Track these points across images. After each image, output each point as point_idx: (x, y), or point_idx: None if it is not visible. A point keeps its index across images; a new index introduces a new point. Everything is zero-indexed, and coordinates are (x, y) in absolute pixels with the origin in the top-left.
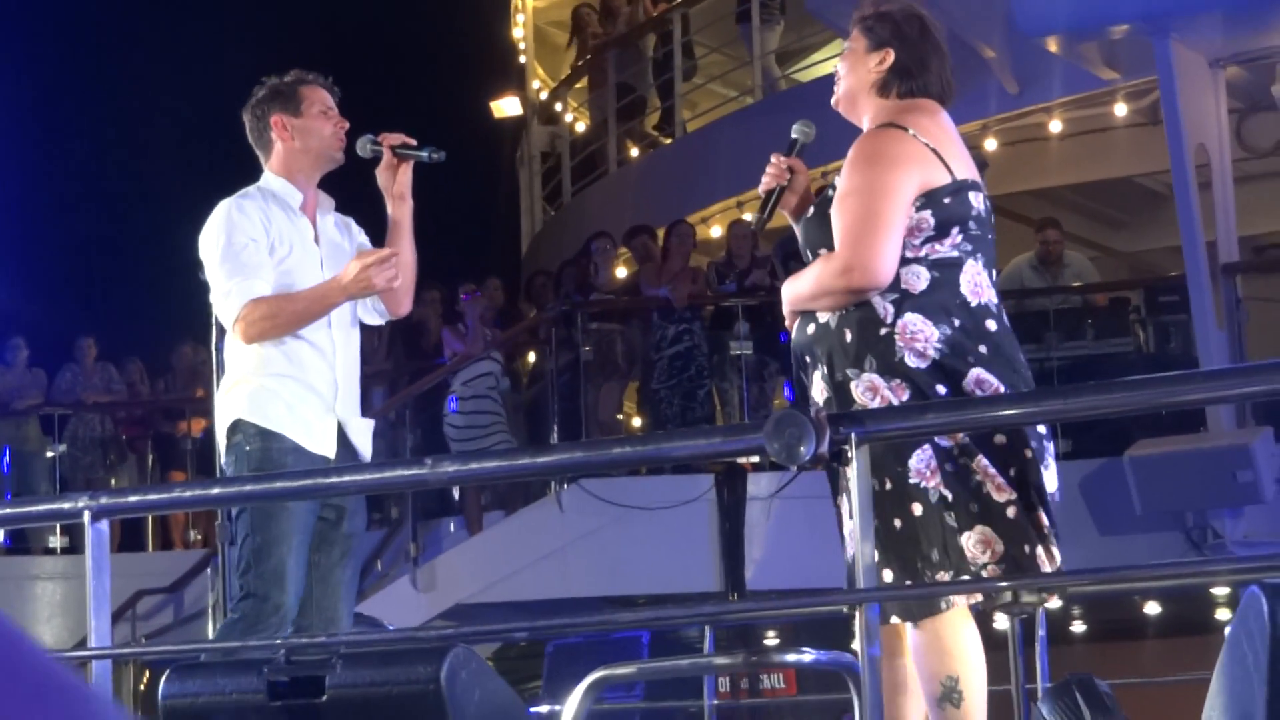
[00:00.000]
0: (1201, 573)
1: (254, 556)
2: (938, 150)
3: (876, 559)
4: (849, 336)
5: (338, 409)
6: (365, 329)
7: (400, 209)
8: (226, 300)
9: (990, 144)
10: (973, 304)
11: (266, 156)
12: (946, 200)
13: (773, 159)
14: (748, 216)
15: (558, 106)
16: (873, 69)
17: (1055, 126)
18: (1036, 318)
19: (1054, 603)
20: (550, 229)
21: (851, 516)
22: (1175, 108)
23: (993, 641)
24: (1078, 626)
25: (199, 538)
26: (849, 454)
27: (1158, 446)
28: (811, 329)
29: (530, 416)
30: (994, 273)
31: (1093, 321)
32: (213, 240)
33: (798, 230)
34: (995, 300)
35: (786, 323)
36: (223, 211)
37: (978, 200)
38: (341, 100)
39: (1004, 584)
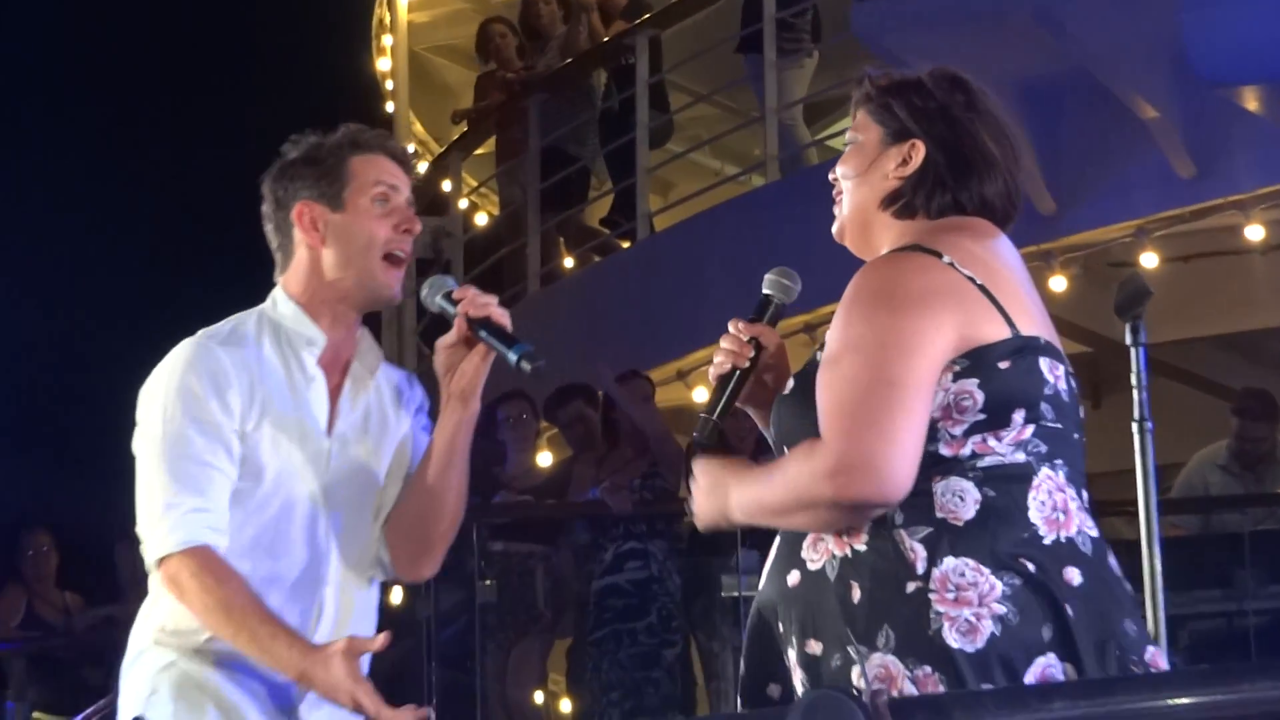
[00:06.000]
0: None
1: None
2: (988, 288)
3: None
4: (856, 594)
5: (303, 714)
6: None
7: (458, 413)
8: (158, 524)
9: (1149, 259)
10: (1049, 541)
11: (283, 264)
12: (1003, 365)
13: (731, 327)
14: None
15: (446, 185)
16: (892, 174)
17: (1254, 233)
18: (1224, 545)
19: None
20: (427, 385)
21: None
22: None
23: None
24: None
25: None
26: None
27: None
28: (794, 579)
29: (394, 691)
30: (1083, 491)
31: None
32: (156, 415)
33: (768, 421)
34: (1090, 533)
35: (701, 525)
36: (180, 368)
37: (1055, 373)
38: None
39: None
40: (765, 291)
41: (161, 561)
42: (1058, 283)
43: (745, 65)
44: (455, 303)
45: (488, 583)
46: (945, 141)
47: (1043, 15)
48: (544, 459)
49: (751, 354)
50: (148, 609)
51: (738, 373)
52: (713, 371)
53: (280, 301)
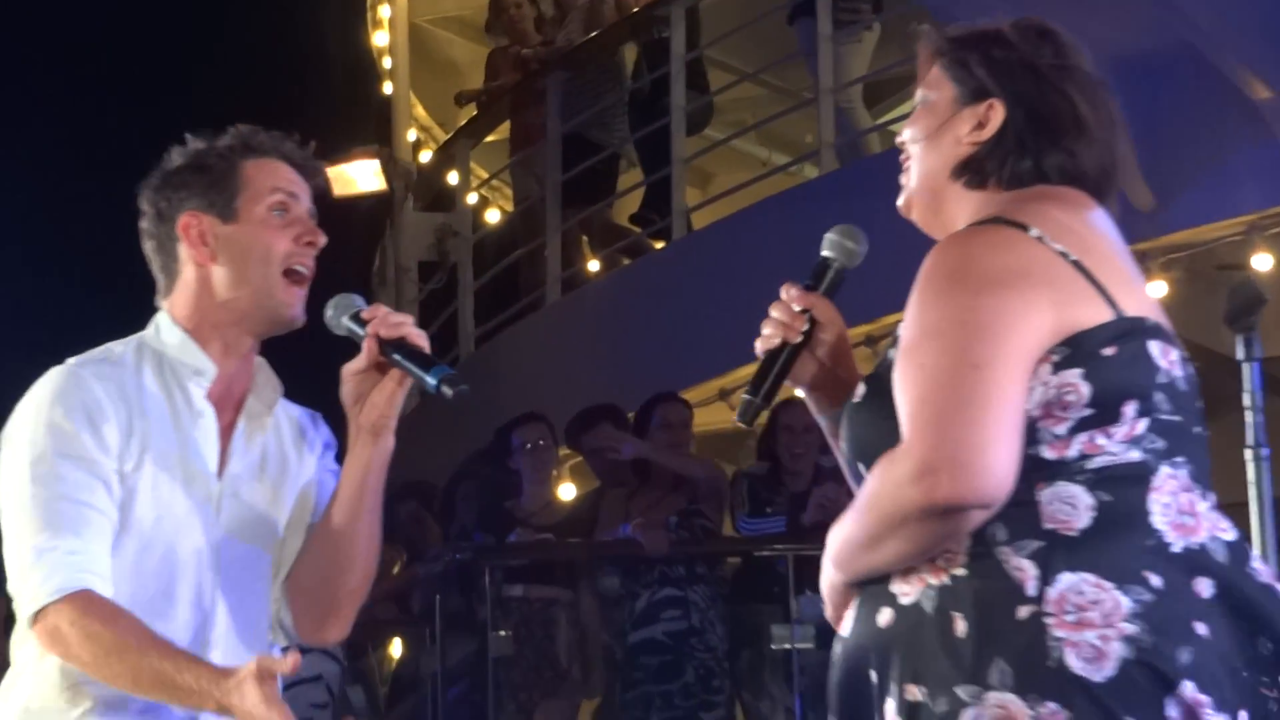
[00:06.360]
0: None
1: None
2: (1084, 264)
3: None
4: (960, 626)
5: None
6: None
7: (368, 450)
8: (30, 574)
9: (1263, 261)
10: (1177, 548)
11: (166, 286)
12: (1108, 352)
13: (783, 293)
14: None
15: (452, 177)
16: (965, 139)
17: None
18: None
19: None
20: (432, 408)
21: None
22: None
23: None
24: None
25: None
26: None
27: None
28: (886, 618)
29: None
30: (1210, 492)
31: None
32: (22, 455)
33: (837, 431)
34: (1225, 537)
35: (830, 613)
36: (48, 400)
37: (1168, 358)
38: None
39: None
40: (824, 253)
41: (38, 617)
42: (1157, 288)
43: (796, 31)
44: (364, 323)
45: (503, 633)
46: (1028, 99)
47: None
48: (566, 491)
49: (804, 327)
50: (9, 685)
51: (787, 348)
52: (759, 346)
53: (163, 328)
